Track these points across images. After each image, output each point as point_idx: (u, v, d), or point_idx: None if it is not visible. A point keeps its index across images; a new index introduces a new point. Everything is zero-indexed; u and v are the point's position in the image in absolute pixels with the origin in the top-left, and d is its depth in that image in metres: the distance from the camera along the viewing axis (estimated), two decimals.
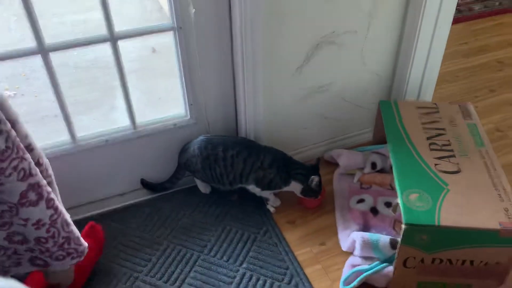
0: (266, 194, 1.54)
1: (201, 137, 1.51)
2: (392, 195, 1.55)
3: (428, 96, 1.75)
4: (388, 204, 1.52)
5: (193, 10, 1.33)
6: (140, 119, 1.52)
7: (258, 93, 1.50)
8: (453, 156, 1.32)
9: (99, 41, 1.32)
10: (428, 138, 1.39)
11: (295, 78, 1.53)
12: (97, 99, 2.23)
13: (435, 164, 1.29)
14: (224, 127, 1.62)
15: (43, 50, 1.26)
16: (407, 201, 1.17)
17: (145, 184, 1.62)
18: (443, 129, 1.42)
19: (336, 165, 1.71)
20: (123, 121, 1.52)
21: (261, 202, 1.58)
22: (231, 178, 1.49)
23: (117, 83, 1.42)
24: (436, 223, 1.11)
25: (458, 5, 2.83)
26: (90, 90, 2.30)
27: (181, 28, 1.37)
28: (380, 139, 1.64)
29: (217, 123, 1.60)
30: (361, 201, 1.55)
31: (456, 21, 2.74)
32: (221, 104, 1.57)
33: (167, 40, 1.42)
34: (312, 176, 1.44)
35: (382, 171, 1.65)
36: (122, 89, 1.42)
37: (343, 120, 1.73)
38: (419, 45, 1.57)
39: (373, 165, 1.64)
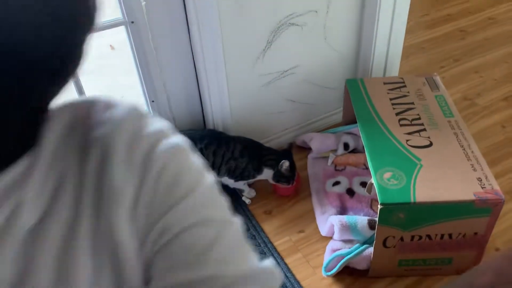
0: (240, 185, 1.50)
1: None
2: (367, 175, 1.53)
3: (394, 70, 1.73)
4: (363, 184, 1.50)
5: (144, 3, 1.26)
6: None
7: (222, 82, 1.44)
8: (424, 129, 1.30)
9: None
10: (397, 114, 1.37)
11: (259, 64, 1.48)
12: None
13: (407, 140, 1.27)
14: (190, 121, 1.57)
15: None
16: (381, 181, 1.14)
17: None
18: (411, 103, 1.41)
19: (309, 149, 1.68)
20: None
21: (236, 194, 1.54)
22: None
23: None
24: (412, 200, 1.09)
25: None
26: None
27: (133, 22, 1.30)
28: (350, 119, 1.61)
29: (183, 118, 1.54)
30: (336, 183, 1.53)
31: None
32: (185, 98, 1.51)
33: (125, 36, 1.34)
34: (283, 160, 1.41)
35: (355, 151, 1.63)
36: (75, 87, 1.35)
37: (311, 103, 1.70)
38: (381, 19, 1.55)
39: (346, 146, 1.62)
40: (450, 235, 1.16)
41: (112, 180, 0.38)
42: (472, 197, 1.08)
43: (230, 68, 1.43)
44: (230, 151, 1.42)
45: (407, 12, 1.61)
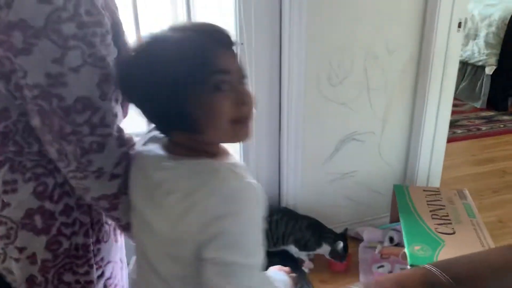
0: (303, 255, 1.91)
1: None
2: (407, 264, 1.88)
3: (436, 184, 2.16)
4: (403, 270, 1.84)
5: None
6: None
7: (298, 173, 1.96)
8: (450, 223, 1.69)
9: None
10: (431, 211, 1.77)
11: (327, 164, 2.00)
12: None
13: (435, 228, 1.66)
14: (269, 198, 2.05)
15: None
16: (412, 250, 1.53)
17: None
18: (443, 205, 1.81)
19: (361, 240, 2.08)
20: None
21: (297, 263, 1.94)
22: (275, 239, 1.88)
23: None
24: None
25: (468, 125, 3.35)
26: None
27: None
28: (396, 218, 2.02)
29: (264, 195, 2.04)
30: (381, 266, 1.89)
31: (466, 138, 3.23)
32: (268, 181, 2.03)
33: None
34: (338, 241, 1.82)
35: (398, 245, 2.00)
36: None
37: (365, 203, 2.14)
38: (424, 143, 2.04)
39: (391, 239, 2.00)
40: None
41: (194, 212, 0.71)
42: None
43: (305, 163, 1.95)
44: (298, 224, 1.87)
45: (446, 137, 2.09)
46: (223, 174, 0.72)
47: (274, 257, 2.01)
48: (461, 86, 3.90)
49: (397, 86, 1.98)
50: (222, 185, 0.70)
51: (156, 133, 0.84)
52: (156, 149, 0.80)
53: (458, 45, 1.92)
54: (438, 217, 1.74)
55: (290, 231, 1.86)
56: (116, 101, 0.83)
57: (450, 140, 3.14)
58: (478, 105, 3.74)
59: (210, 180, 0.71)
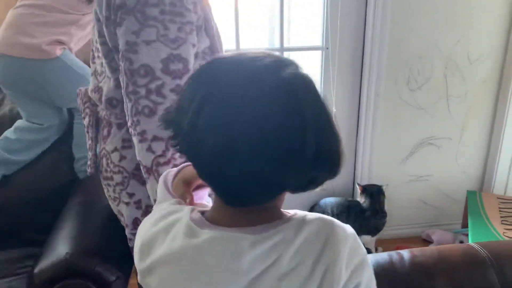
0: (367, 240, 2.02)
1: (322, 200, 2.11)
2: None
3: None
4: None
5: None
6: None
7: (372, 173, 2.09)
8: None
9: None
10: (501, 217, 1.80)
11: (402, 165, 2.10)
12: None
13: (503, 232, 1.70)
14: (344, 191, 2.20)
15: None
16: None
17: None
18: None
19: (430, 242, 2.14)
20: None
21: None
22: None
23: None
24: None
25: None
26: None
27: None
28: (467, 223, 2.05)
29: (339, 189, 2.19)
30: None
31: None
32: (343, 179, 2.18)
33: None
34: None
35: None
36: None
37: (438, 207, 2.19)
38: (503, 152, 2.05)
39: (461, 244, 2.04)
40: None
41: (334, 273, 0.60)
42: None
43: (380, 164, 2.07)
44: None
45: None
46: (334, 226, 0.64)
47: None
48: None
49: (478, 95, 2.02)
50: (342, 238, 0.63)
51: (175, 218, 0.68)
52: (197, 233, 0.63)
53: None
54: (508, 223, 1.76)
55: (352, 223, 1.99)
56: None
57: None
58: None
59: (330, 236, 0.62)
